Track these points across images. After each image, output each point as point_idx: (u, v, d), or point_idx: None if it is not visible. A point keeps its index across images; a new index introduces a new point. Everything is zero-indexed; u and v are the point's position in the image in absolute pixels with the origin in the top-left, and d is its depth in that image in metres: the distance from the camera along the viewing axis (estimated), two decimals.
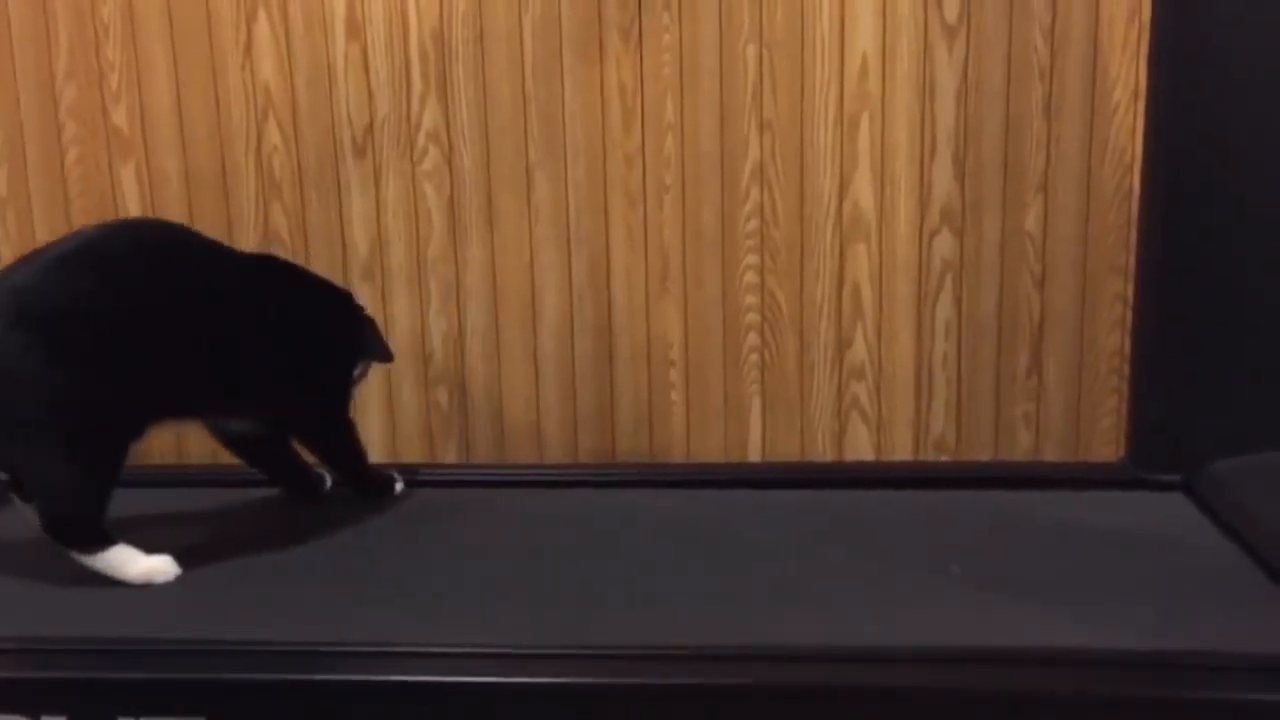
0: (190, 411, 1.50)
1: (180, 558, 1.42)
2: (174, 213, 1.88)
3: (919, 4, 1.77)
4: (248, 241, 1.89)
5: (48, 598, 1.37)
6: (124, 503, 1.40)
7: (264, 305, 1.50)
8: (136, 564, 1.38)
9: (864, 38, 1.78)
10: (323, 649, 1.22)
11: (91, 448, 1.36)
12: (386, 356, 1.68)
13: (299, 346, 1.53)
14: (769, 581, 1.39)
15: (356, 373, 1.64)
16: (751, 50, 1.80)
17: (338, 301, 1.64)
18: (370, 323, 1.67)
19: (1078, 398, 1.87)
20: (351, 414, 1.66)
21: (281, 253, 1.89)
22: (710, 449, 1.91)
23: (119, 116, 1.87)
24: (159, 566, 1.40)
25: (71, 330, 1.34)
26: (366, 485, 1.66)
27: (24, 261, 1.39)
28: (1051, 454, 1.88)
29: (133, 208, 1.89)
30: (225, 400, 1.49)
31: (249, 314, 1.48)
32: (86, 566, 1.37)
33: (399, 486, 1.68)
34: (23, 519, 1.43)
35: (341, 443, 1.64)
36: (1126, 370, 1.81)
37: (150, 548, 1.42)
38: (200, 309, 1.43)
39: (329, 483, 1.67)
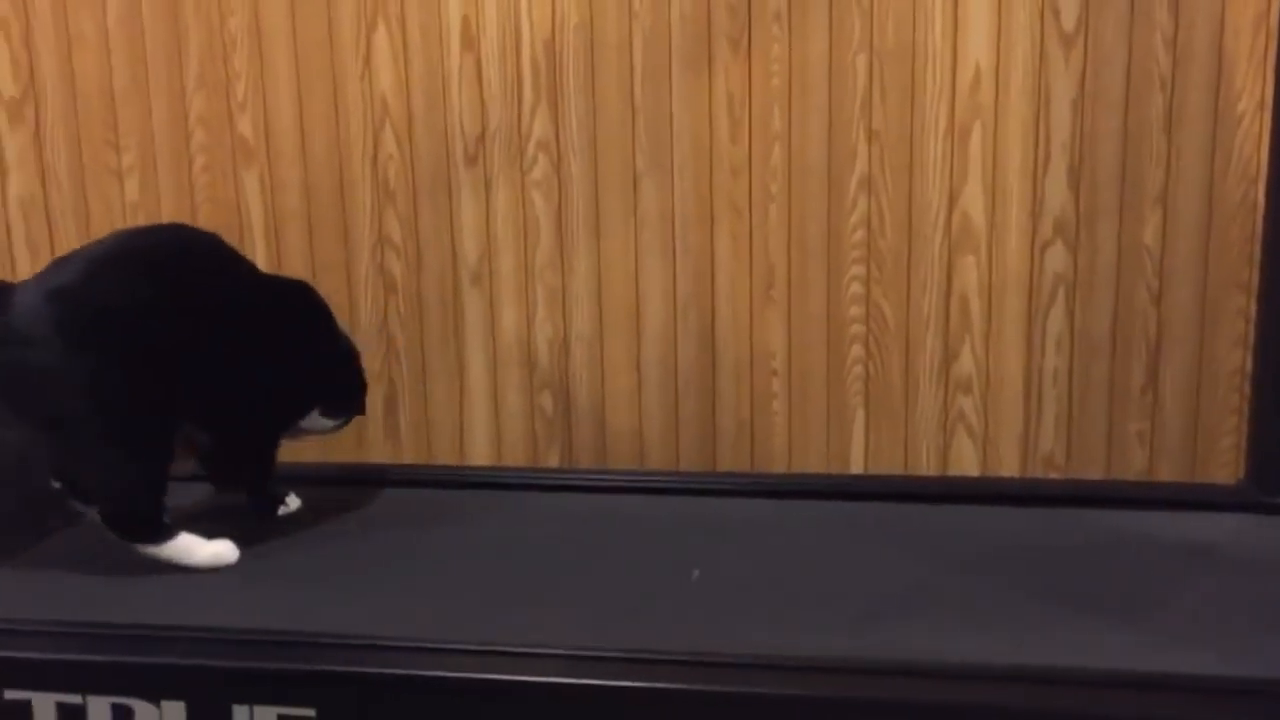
0: (196, 415, 1.50)
1: (277, 553, 1.47)
2: (294, 220, 1.95)
3: (1035, 13, 1.74)
4: (363, 247, 1.94)
5: (156, 588, 1.42)
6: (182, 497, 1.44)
7: (271, 327, 1.52)
8: (201, 550, 1.43)
9: (977, 47, 1.76)
10: (430, 646, 1.25)
11: (143, 442, 1.40)
12: (353, 410, 1.64)
13: (279, 372, 1.53)
14: (864, 596, 1.37)
15: (323, 425, 1.60)
16: (861, 60, 1.79)
17: (331, 346, 1.61)
18: (361, 388, 1.64)
19: (1195, 416, 1.81)
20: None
21: (394, 258, 1.94)
22: (812, 460, 1.90)
23: (244, 125, 1.94)
24: (222, 551, 1.44)
25: (114, 330, 1.38)
26: (261, 502, 1.62)
27: (60, 264, 1.43)
28: (1166, 474, 1.83)
29: (255, 214, 1.96)
30: (210, 408, 1.49)
31: (258, 332, 1.50)
32: (151, 558, 1.42)
33: (293, 503, 1.63)
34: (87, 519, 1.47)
35: (257, 464, 1.61)
36: (1247, 389, 1.75)
37: (260, 544, 1.47)
38: (223, 317, 1.46)
39: (294, 503, 1.63)
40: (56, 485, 1.47)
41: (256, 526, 1.56)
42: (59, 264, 1.44)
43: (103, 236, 1.50)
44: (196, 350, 1.43)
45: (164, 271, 1.44)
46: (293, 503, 1.62)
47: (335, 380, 1.62)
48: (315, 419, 1.60)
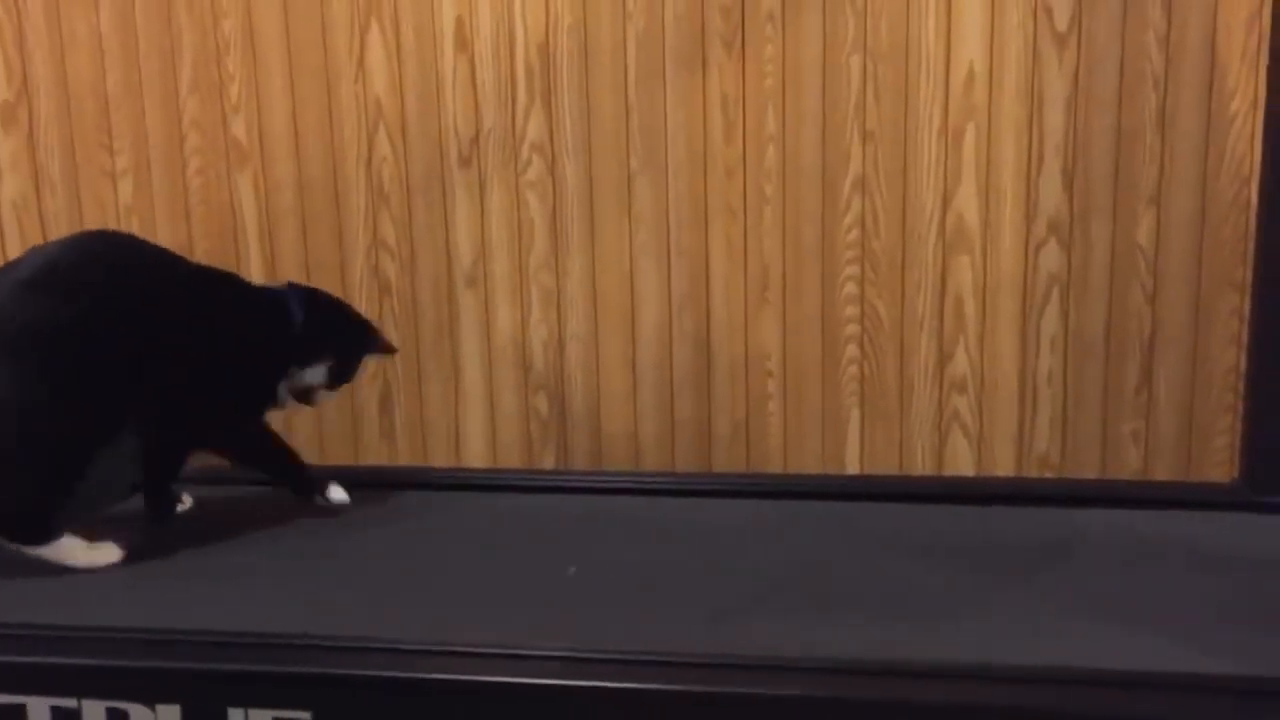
0: (140, 419, 1.51)
1: (278, 556, 1.47)
2: (288, 222, 1.95)
3: (1028, 13, 1.74)
4: (358, 249, 1.94)
5: (154, 591, 1.42)
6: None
7: (198, 316, 1.53)
8: (83, 553, 1.48)
9: (971, 48, 1.76)
10: (426, 648, 1.24)
11: (46, 453, 1.43)
12: (384, 348, 1.67)
13: (216, 360, 1.54)
14: (860, 596, 1.37)
15: (321, 376, 1.61)
16: (855, 61, 1.79)
17: (268, 310, 1.61)
18: (345, 327, 1.65)
19: (1190, 416, 1.82)
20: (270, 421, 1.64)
21: (389, 260, 1.94)
22: (807, 461, 1.90)
23: (238, 128, 1.94)
24: (98, 556, 1.48)
25: (34, 347, 1.42)
26: (300, 485, 1.65)
27: None
28: (1161, 473, 1.83)
29: (249, 217, 1.95)
30: (158, 411, 1.51)
31: (186, 325, 1.51)
32: (35, 558, 1.46)
33: (336, 494, 1.65)
34: None
35: (261, 450, 1.63)
36: (1241, 388, 1.75)
37: (241, 545, 1.48)
38: (149, 319, 1.48)
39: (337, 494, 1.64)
40: None
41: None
42: None
43: (21, 254, 1.51)
44: (132, 356, 1.46)
45: (86, 286, 1.46)
46: (188, 500, 1.66)
47: (287, 342, 1.60)
48: (302, 376, 1.60)
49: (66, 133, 1.97)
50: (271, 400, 1.62)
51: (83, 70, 1.95)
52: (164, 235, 1.97)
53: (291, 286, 1.64)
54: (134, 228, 1.98)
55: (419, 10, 1.86)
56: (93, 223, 1.98)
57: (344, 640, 1.26)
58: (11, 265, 1.49)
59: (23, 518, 1.47)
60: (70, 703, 1.22)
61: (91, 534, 1.49)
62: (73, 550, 1.48)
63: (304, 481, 1.65)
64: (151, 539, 1.54)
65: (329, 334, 1.63)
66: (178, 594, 1.41)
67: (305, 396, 1.64)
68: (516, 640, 1.25)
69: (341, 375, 1.64)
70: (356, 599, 1.39)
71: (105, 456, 1.47)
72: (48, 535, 1.47)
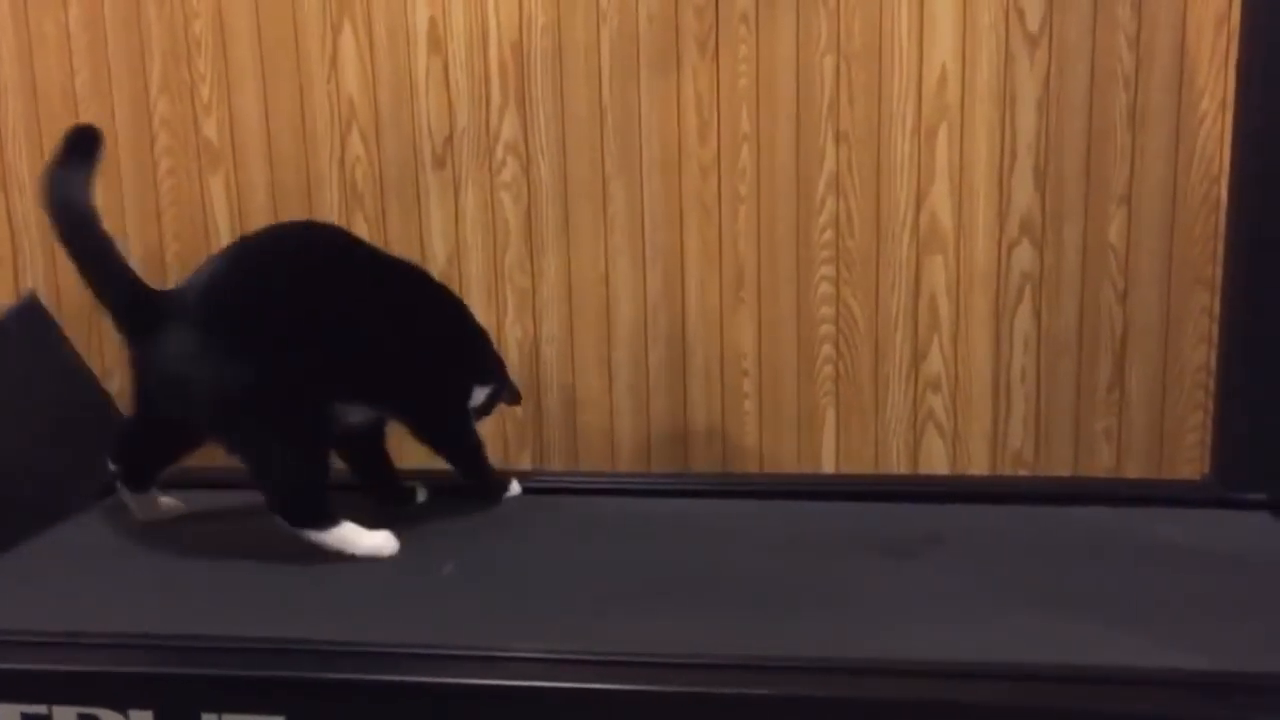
0: (360, 397, 1.55)
1: (258, 557, 1.46)
2: (260, 222, 1.93)
3: (1000, 14, 1.75)
4: None
5: (133, 595, 1.41)
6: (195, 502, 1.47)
7: (412, 307, 1.58)
8: (363, 539, 1.48)
9: (943, 48, 1.77)
10: (401, 651, 1.24)
11: (307, 435, 1.47)
12: (514, 397, 1.73)
13: (440, 353, 1.60)
14: (838, 594, 1.38)
15: (481, 398, 1.66)
16: (829, 61, 1.79)
17: (473, 324, 1.68)
18: (501, 363, 1.71)
19: (1161, 413, 1.83)
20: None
21: None
22: (783, 460, 1.91)
23: (209, 128, 1.92)
24: (383, 542, 1.49)
25: (262, 326, 1.44)
26: (486, 488, 1.70)
27: (204, 272, 1.49)
28: (1133, 470, 1.84)
29: (221, 218, 1.94)
30: (378, 390, 1.55)
31: (399, 312, 1.55)
32: (316, 544, 1.46)
33: (514, 489, 1.71)
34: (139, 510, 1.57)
35: (465, 448, 1.67)
36: (1212, 386, 1.77)
37: (230, 545, 1.47)
38: (367, 306, 1.51)
39: (422, 495, 1.69)
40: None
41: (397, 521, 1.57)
42: (200, 274, 1.49)
43: (228, 245, 1.55)
44: (353, 337, 1.49)
45: (303, 267, 1.50)
46: (421, 494, 1.69)
47: (480, 353, 1.67)
48: (478, 395, 1.65)
49: (34, 133, 1.94)
50: (468, 396, 1.64)
51: (50, 70, 1.93)
52: (134, 237, 1.95)
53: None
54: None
55: (392, 10, 1.85)
56: None
57: (318, 644, 1.25)
58: (226, 251, 1.52)
59: (304, 501, 1.47)
60: (41, 709, 1.20)
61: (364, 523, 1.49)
62: (354, 537, 1.47)
63: (491, 488, 1.70)
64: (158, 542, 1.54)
65: (492, 362, 1.69)
66: (150, 599, 1.40)
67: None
68: (491, 642, 1.25)
69: (488, 406, 1.68)
70: (330, 603, 1.38)
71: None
72: (330, 519, 1.47)
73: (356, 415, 1.58)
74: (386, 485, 1.69)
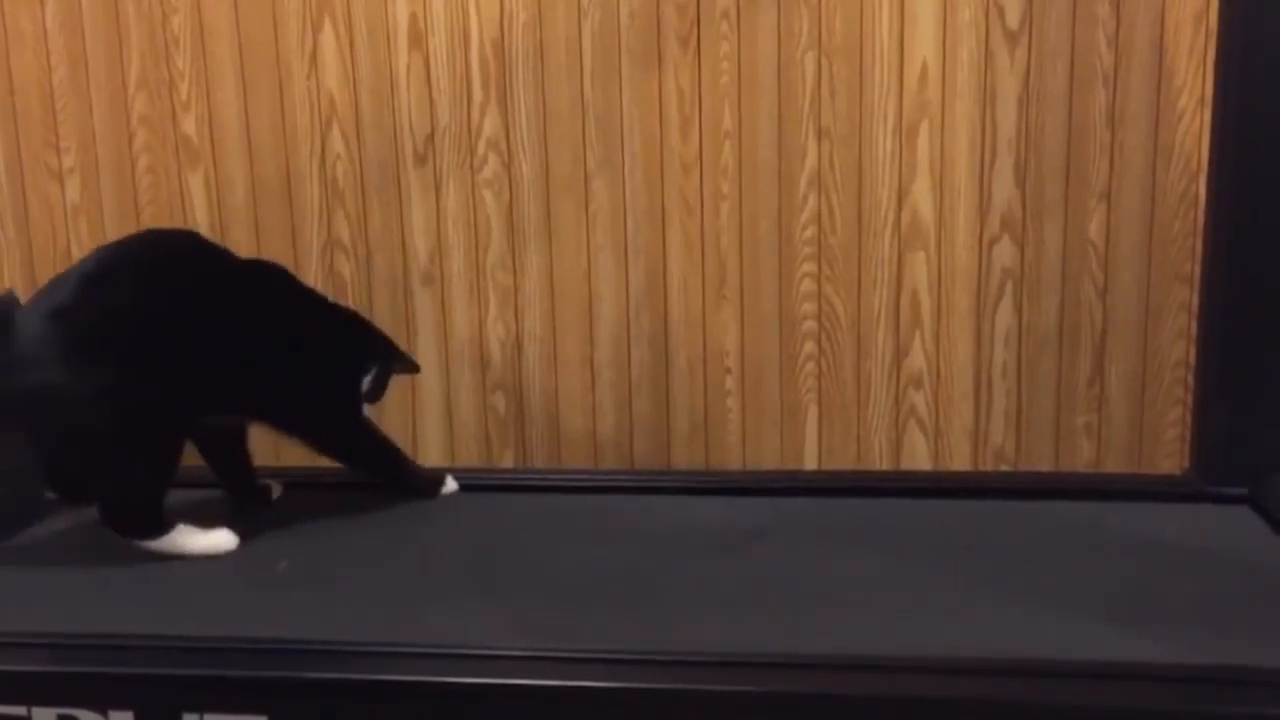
0: (225, 409, 1.57)
1: (243, 558, 1.45)
2: (240, 221, 1.92)
3: (980, 11, 1.76)
4: (312, 248, 1.92)
5: (113, 595, 1.40)
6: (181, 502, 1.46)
7: (276, 310, 1.58)
8: (197, 541, 1.49)
9: (924, 45, 1.77)
10: (382, 649, 1.23)
11: (147, 447, 1.46)
12: (408, 367, 1.73)
13: (308, 352, 1.59)
14: (821, 590, 1.38)
15: (368, 380, 1.65)
16: (810, 58, 1.80)
17: (341, 312, 1.69)
18: (383, 339, 1.70)
19: (1141, 409, 1.84)
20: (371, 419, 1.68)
21: (344, 259, 1.92)
22: (766, 457, 1.91)
23: (188, 125, 1.91)
24: (220, 540, 1.50)
25: (113, 341, 1.43)
26: (409, 485, 1.69)
27: (54, 285, 1.47)
28: (1114, 465, 1.85)
29: (200, 215, 1.93)
30: (247, 401, 1.56)
31: (263, 318, 1.55)
32: (149, 552, 1.47)
33: (450, 486, 1.71)
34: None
35: (362, 446, 1.67)
36: (1191, 381, 1.78)
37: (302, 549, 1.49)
38: (219, 313, 1.51)
39: (276, 492, 1.70)
40: (52, 495, 1.52)
41: (249, 520, 1.58)
42: (50, 287, 1.48)
43: (85, 256, 1.52)
44: (206, 347, 1.48)
45: (154, 277, 1.49)
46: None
47: (354, 341, 1.66)
48: (371, 378, 1.65)
49: (11, 131, 1.93)
50: (357, 396, 1.63)
51: (27, 67, 1.91)
52: (113, 235, 1.93)
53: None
54: (82, 228, 1.95)
55: (371, 6, 1.84)
56: (39, 222, 1.95)
57: (299, 643, 1.24)
58: (76, 266, 1.50)
59: (134, 513, 1.48)
60: (20, 710, 1.19)
61: (203, 521, 1.50)
62: (187, 540, 1.48)
63: (415, 484, 1.69)
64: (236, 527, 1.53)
65: (373, 342, 1.68)
66: (130, 599, 1.39)
67: None
68: (474, 640, 1.24)
69: (378, 388, 1.67)
70: (311, 601, 1.38)
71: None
72: (161, 528, 1.47)
73: (221, 423, 1.58)
74: (242, 485, 1.68)
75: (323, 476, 1.73)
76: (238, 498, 1.68)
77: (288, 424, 1.60)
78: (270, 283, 1.61)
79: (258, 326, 1.53)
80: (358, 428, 1.65)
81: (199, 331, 1.47)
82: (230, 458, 1.67)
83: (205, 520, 1.51)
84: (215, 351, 1.48)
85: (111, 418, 1.41)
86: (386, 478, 1.69)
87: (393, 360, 1.69)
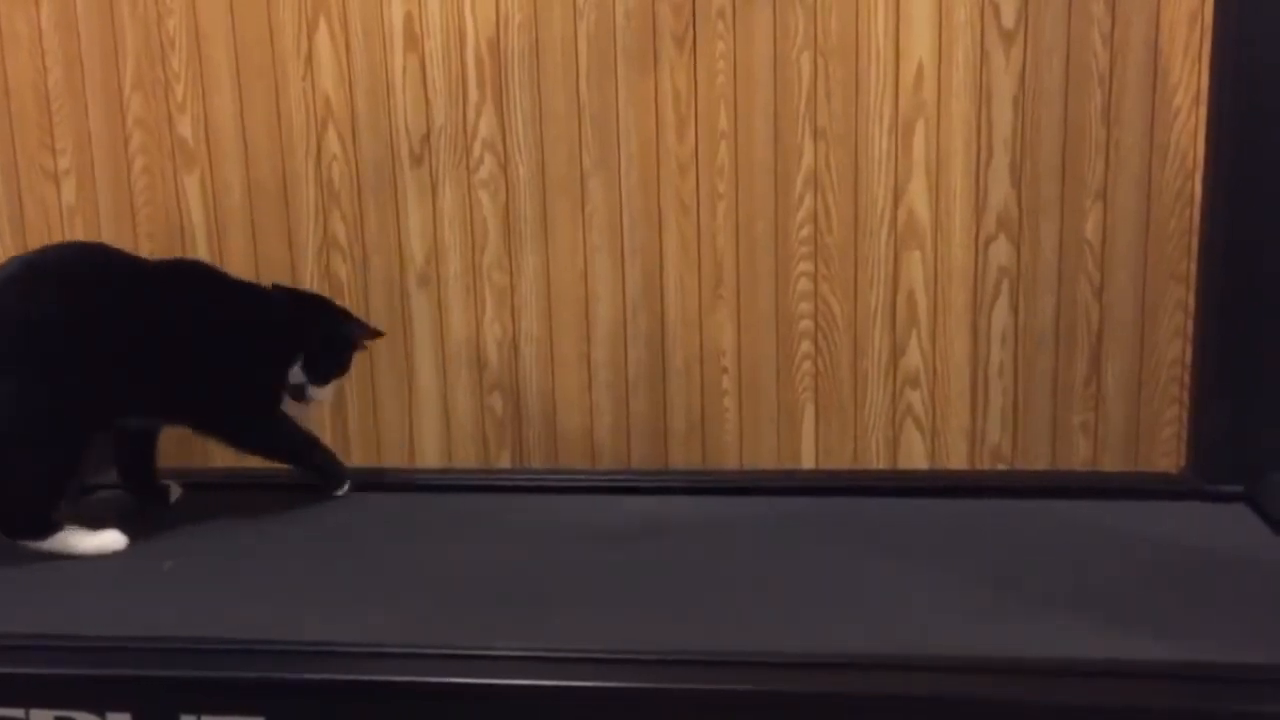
0: (138, 412, 1.60)
1: (234, 560, 1.45)
2: (237, 223, 1.92)
3: (975, 10, 1.76)
4: (308, 250, 1.92)
5: (108, 598, 1.40)
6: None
7: (185, 310, 1.59)
8: (86, 542, 1.51)
9: (919, 44, 1.78)
10: (381, 651, 1.23)
11: (47, 452, 1.48)
12: (366, 333, 1.73)
13: (215, 349, 1.60)
14: (817, 589, 1.38)
15: (297, 369, 1.65)
16: (806, 58, 1.80)
17: (266, 303, 1.68)
18: (336, 314, 1.71)
19: (1137, 407, 1.84)
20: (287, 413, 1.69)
21: (340, 261, 1.92)
22: (763, 456, 1.91)
23: (184, 127, 1.91)
24: (108, 541, 1.52)
25: (16, 347, 1.46)
26: (323, 477, 1.72)
27: None
28: (1110, 464, 1.85)
29: (196, 217, 1.93)
30: (159, 403, 1.59)
31: (171, 319, 1.57)
32: (36, 552, 1.49)
33: (345, 488, 1.73)
34: None
35: (278, 440, 1.68)
36: (1188, 379, 1.78)
37: (195, 549, 1.49)
38: (128, 317, 1.53)
39: (176, 494, 1.72)
40: None
41: (143, 520, 1.60)
42: None
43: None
44: (114, 351, 1.50)
45: (62, 285, 1.51)
46: (175, 492, 1.70)
47: (284, 333, 1.66)
48: (298, 374, 1.65)
49: (6, 133, 1.93)
50: (273, 391, 1.64)
51: (23, 69, 1.91)
52: (109, 237, 1.94)
53: (275, 287, 1.71)
54: (78, 229, 1.95)
55: (367, 7, 1.84)
56: (35, 224, 1.95)
57: (296, 644, 1.24)
58: None
59: (22, 515, 1.49)
60: (18, 713, 1.19)
61: (94, 522, 1.51)
62: (75, 541, 1.50)
63: (333, 477, 1.71)
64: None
65: (304, 324, 1.67)
66: (124, 600, 1.39)
67: (298, 394, 1.66)
68: (471, 641, 1.24)
69: (321, 368, 1.66)
70: (308, 602, 1.38)
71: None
72: (48, 530, 1.49)
73: (136, 424, 1.61)
74: (143, 485, 1.70)
75: (240, 477, 1.77)
76: (139, 498, 1.70)
77: (201, 425, 1.64)
78: (182, 283, 1.62)
79: (166, 329, 1.55)
80: (272, 425, 1.67)
81: (106, 336, 1.50)
82: (137, 458, 1.69)
83: (96, 521, 1.54)
84: (123, 355, 1.50)
85: (13, 419, 1.45)
86: (310, 471, 1.72)
87: (343, 335, 1.69)
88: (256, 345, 1.64)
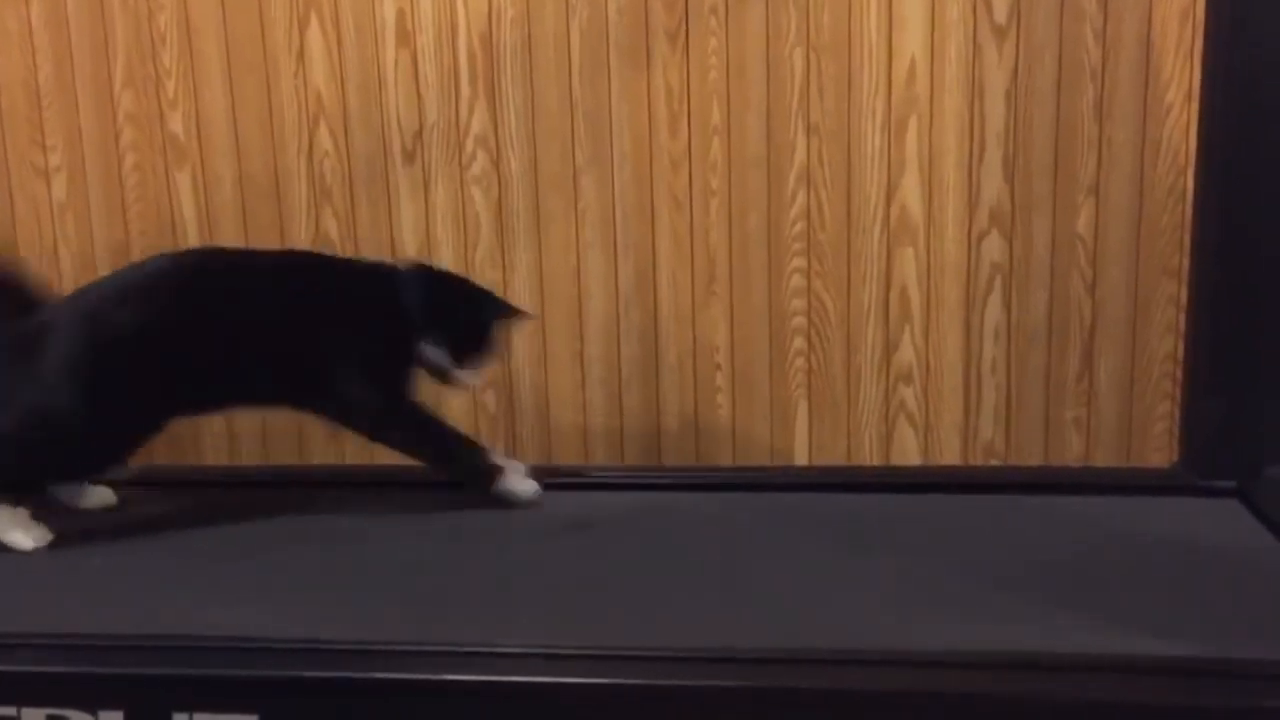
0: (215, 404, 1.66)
1: (232, 557, 1.45)
2: (228, 219, 1.92)
3: (968, 6, 1.76)
4: (300, 244, 1.91)
5: (100, 596, 1.39)
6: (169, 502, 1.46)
7: (295, 305, 1.59)
8: (13, 533, 1.51)
9: (912, 40, 1.78)
10: (374, 648, 1.23)
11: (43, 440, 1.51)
12: (512, 314, 1.66)
13: (330, 339, 1.58)
14: (810, 585, 1.38)
15: (429, 348, 1.60)
16: (798, 54, 1.80)
17: (382, 284, 1.61)
18: (467, 293, 1.65)
19: (1130, 403, 1.85)
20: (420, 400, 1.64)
21: None
22: (756, 453, 1.91)
23: (175, 123, 1.90)
24: (33, 535, 1.51)
25: (138, 349, 1.51)
26: (465, 474, 1.64)
27: (87, 291, 1.57)
28: (1103, 459, 1.86)
29: (188, 213, 1.92)
30: (283, 395, 1.62)
31: (285, 316, 1.58)
32: None
33: (526, 487, 1.64)
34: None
35: (411, 432, 1.62)
36: (1180, 375, 1.79)
37: (199, 547, 1.48)
38: (230, 318, 1.55)
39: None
40: None
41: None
42: (83, 292, 1.57)
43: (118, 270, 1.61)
44: (202, 354, 1.53)
45: (185, 293, 1.55)
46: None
47: (399, 312, 1.60)
48: (432, 353, 1.60)
49: None
50: (407, 376, 1.60)
51: (13, 65, 1.90)
52: (100, 233, 1.93)
53: (416, 266, 1.65)
54: (69, 226, 1.94)
55: (359, 3, 1.84)
56: (26, 221, 1.94)
57: (290, 642, 1.24)
58: (110, 277, 1.59)
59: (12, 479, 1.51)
60: (9, 711, 1.19)
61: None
62: (3, 524, 1.50)
63: (476, 471, 1.63)
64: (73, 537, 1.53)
65: (441, 308, 1.60)
66: (114, 597, 1.39)
67: (441, 377, 1.62)
68: (464, 639, 1.24)
69: (464, 351, 1.60)
70: (303, 600, 1.37)
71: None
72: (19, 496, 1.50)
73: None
74: (466, 462, 1.65)
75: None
76: (463, 475, 1.64)
77: (321, 413, 1.62)
78: (289, 276, 1.61)
79: (271, 325, 1.56)
80: (397, 412, 1.60)
81: (193, 343, 1.53)
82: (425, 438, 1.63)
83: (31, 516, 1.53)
84: (215, 356, 1.53)
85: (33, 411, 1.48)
86: (438, 466, 1.65)
87: (479, 316, 1.62)
88: (370, 328, 1.59)
